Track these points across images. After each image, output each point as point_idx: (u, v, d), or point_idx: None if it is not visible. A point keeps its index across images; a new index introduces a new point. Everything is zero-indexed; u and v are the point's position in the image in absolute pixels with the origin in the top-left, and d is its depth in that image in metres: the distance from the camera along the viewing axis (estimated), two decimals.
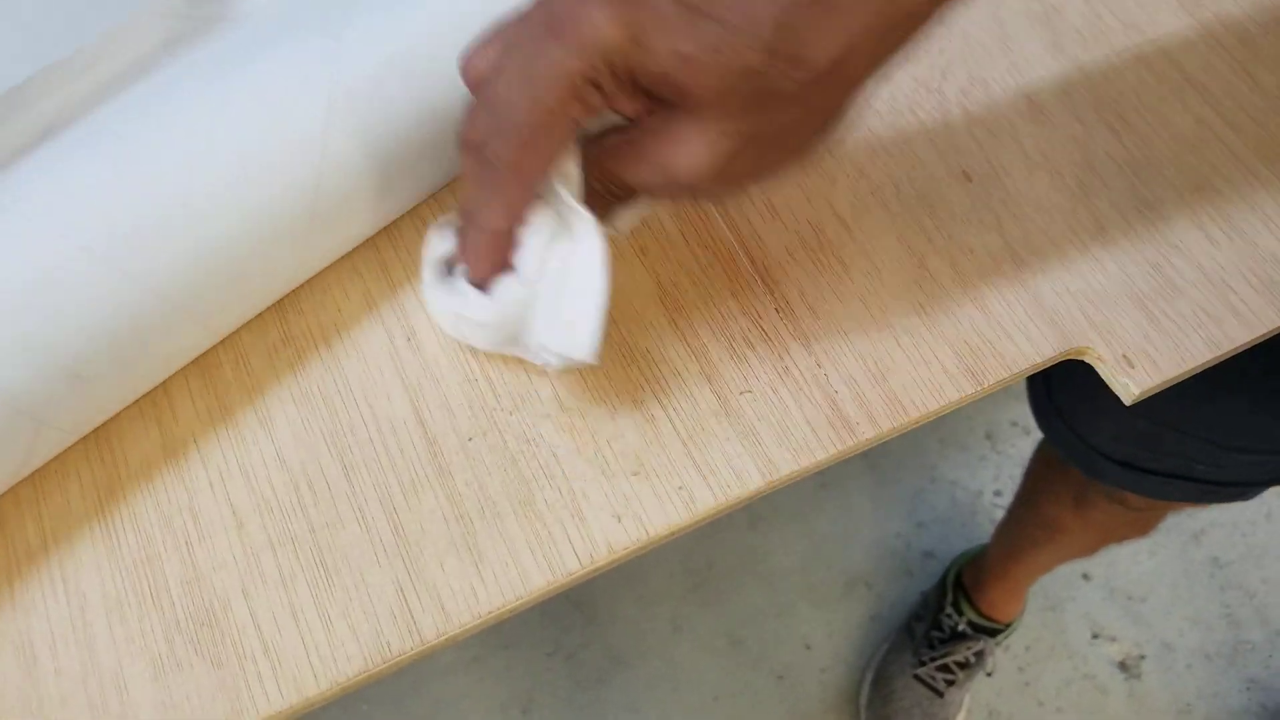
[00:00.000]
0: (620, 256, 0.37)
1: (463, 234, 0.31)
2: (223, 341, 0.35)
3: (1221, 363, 0.62)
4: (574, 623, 1.23)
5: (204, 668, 0.30)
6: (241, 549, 0.31)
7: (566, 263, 0.31)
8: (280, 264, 0.33)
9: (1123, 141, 0.41)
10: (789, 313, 0.36)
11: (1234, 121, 0.41)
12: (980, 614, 1.12)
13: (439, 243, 0.33)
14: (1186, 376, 0.36)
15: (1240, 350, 0.37)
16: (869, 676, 1.17)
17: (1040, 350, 0.36)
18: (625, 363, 0.35)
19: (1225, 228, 0.39)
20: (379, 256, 0.37)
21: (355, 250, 0.37)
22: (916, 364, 0.35)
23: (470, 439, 0.34)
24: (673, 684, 1.20)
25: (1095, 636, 1.22)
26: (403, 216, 0.37)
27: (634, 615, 1.24)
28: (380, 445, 0.33)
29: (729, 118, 0.27)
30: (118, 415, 0.33)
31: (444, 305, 0.33)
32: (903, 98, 0.41)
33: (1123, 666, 1.20)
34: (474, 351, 0.35)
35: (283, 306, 0.36)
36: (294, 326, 0.35)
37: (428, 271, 0.33)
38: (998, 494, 1.31)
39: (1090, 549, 0.93)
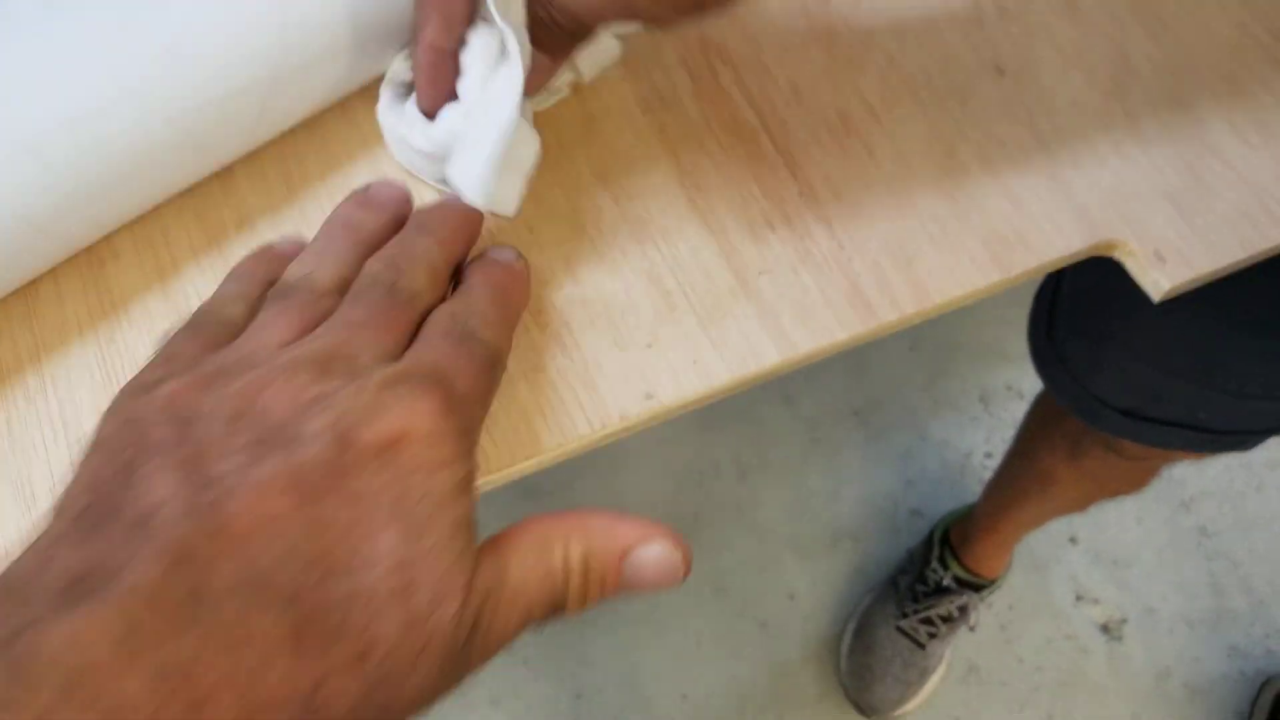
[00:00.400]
0: (638, 135, 0.36)
1: (412, 54, 0.31)
2: (227, 197, 0.34)
3: (1232, 309, 0.62)
4: None
5: None
6: None
7: (491, 94, 0.30)
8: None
9: (1160, 44, 0.40)
10: (812, 196, 0.35)
11: (1275, 29, 0.40)
12: (966, 569, 1.12)
13: (401, 65, 0.32)
14: (1219, 275, 0.35)
15: (1276, 253, 0.36)
16: (851, 626, 1.18)
17: (1070, 243, 0.35)
18: (640, 239, 0.34)
19: (1263, 134, 0.38)
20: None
21: (357, 103, 0.35)
22: (943, 251, 0.34)
23: None
24: (656, 629, 1.20)
25: (1079, 599, 1.22)
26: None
27: None
28: None
29: None
30: (118, 263, 0.32)
31: (393, 130, 0.32)
32: None
33: (1105, 629, 1.21)
34: (488, 223, 0.34)
35: (284, 160, 0.34)
36: (297, 184, 0.34)
37: (385, 93, 0.33)
38: (988, 455, 1.31)
39: (1082, 503, 0.93)
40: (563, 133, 0.36)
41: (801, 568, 1.24)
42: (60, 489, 0.23)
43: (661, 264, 0.34)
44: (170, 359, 0.26)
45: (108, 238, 0.33)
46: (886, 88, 0.38)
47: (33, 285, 0.32)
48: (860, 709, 1.13)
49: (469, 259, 0.31)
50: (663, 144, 0.36)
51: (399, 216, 0.30)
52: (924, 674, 1.13)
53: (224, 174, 0.34)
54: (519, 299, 0.31)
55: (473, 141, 0.30)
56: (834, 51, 0.38)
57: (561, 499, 1.23)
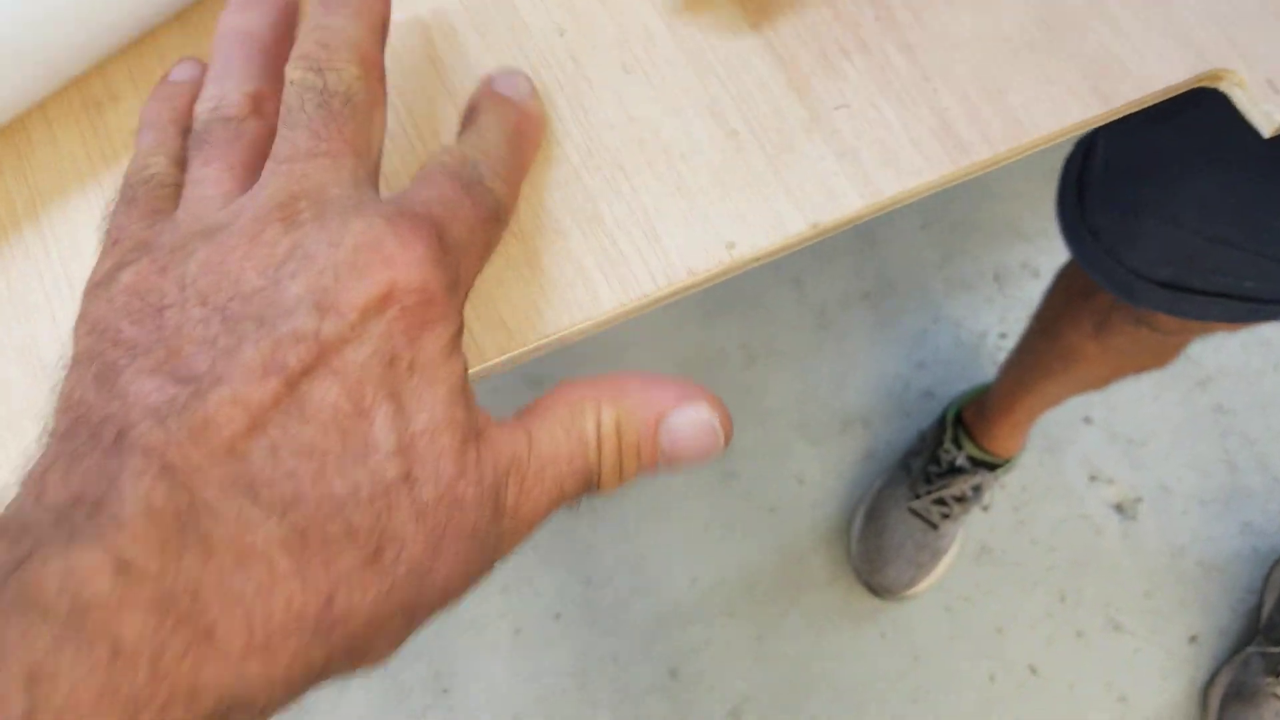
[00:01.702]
0: None
1: None
2: None
3: (1274, 168, 0.59)
4: None
5: None
6: None
7: None
8: None
9: None
10: (890, 20, 0.31)
11: None
12: (980, 449, 1.11)
13: None
14: None
15: None
16: (862, 509, 1.17)
17: (1175, 71, 0.31)
18: (701, 72, 0.30)
19: None
20: None
21: None
22: (1037, 81, 0.31)
23: None
24: (664, 515, 1.19)
25: (1093, 479, 1.22)
26: None
27: None
28: (422, 150, 0.29)
29: None
30: (118, 107, 0.28)
31: None
32: None
33: (1119, 508, 1.20)
34: (526, 53, 0.30)
35: None
36: None
37: None
38: (1003, 336, 1.29)
39: (1105, 380, 0.91)
40: None
41: (811, 453, 1.23)
42: (50, 409, 0.21)
43: (726, 99, 0.30)
44: (116, 241, 0.23)
45: (104, 77, 0.29)
46: None
47: (25, 132, 0.28)
48: (872, 590, 1.13)
49: (478, 90, 0.28)
50: None
51: (290, 4, 0.27)
52: (936, 555, 1.13)
53: None
54: (532, 147, 0.28)
55: None
56: None
57: None
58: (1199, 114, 0.58)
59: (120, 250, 0.23)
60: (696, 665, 1.12)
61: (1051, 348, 0.90)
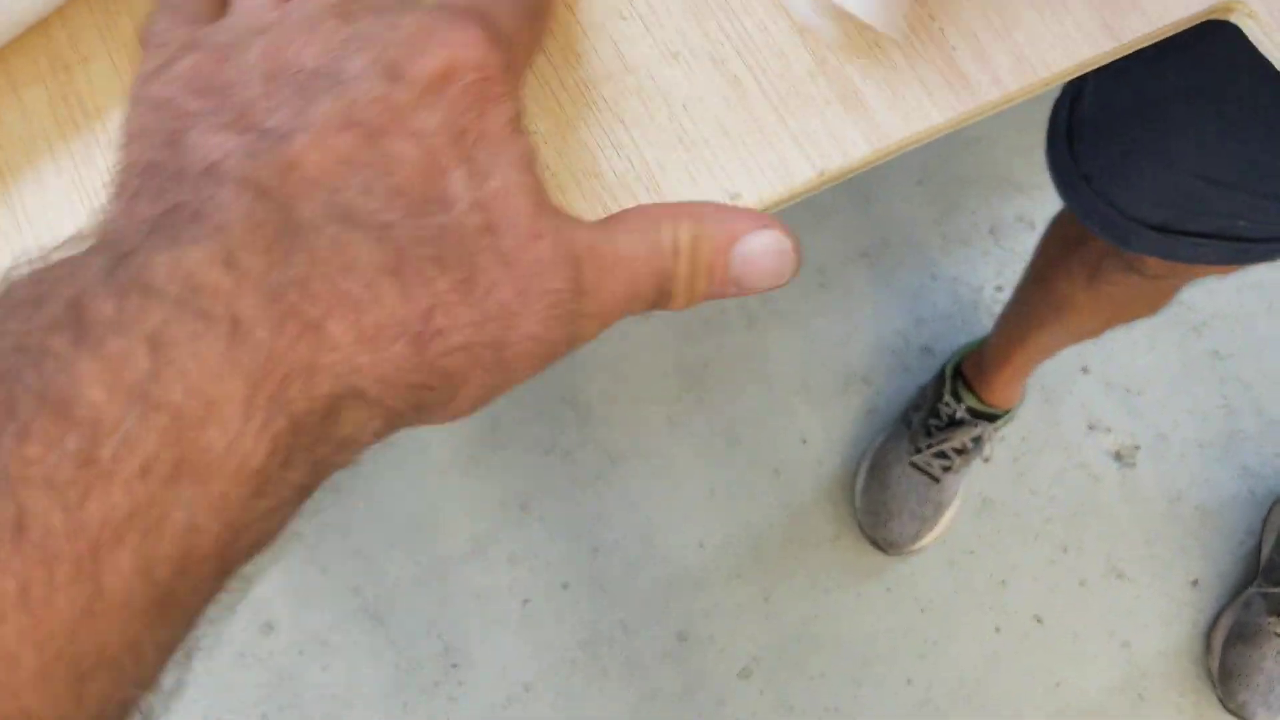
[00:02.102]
0: None
1: None
2: None
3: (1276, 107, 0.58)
4: (569, 422, 1.21)
5: None
6: None
7: None
8: None
9: None
10: None
11: None
12: (980, 400, 1.11)
13: None
14: None
15: None
16: (865, 465, 1.17)
17: (1186, 4, 0.31)
18: (699, 14, 0.29)
19: None
20: None
21: None
22: (1046, 18, 0.30)
23: None
24: (670, 480, 1.19)
25: (1091, 428, 1.22)
26: None
27: (629, 415, 1.22)
28: None
29: None
30: (88, 69, 0.27)
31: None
32: None
33: (1117, 456, 1.20)
34: None
35: None
36: None
37: None
38: (999, 289, 1.28)
39: (1099, 329, 0.91)
40: None
41: (813, 412, 1.23)
42: (111, 179, 0.21)
43: (726, 44, 0.29)
44: (163, 44, 0.23)
45: (72, 36, 0.28)
46: None
47: None
48: (877, 545, 1.13)
49: None
50: None
51: None
52: (939, 508, 1.13)
53: None
54: None
55: None
56: None
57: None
58: (1190, 54, 0.57)
59: (168, 50, 0.23)
60: (705, 629, 1.12)
61: (1045, 297, 0.90)
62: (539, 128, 0.28)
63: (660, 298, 0.23)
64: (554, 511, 1.17)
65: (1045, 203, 1.40)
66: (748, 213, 0.24)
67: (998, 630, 1.12)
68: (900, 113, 0.29)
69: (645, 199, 0.27)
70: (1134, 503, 1.18)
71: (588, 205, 0.27)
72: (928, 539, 1.12)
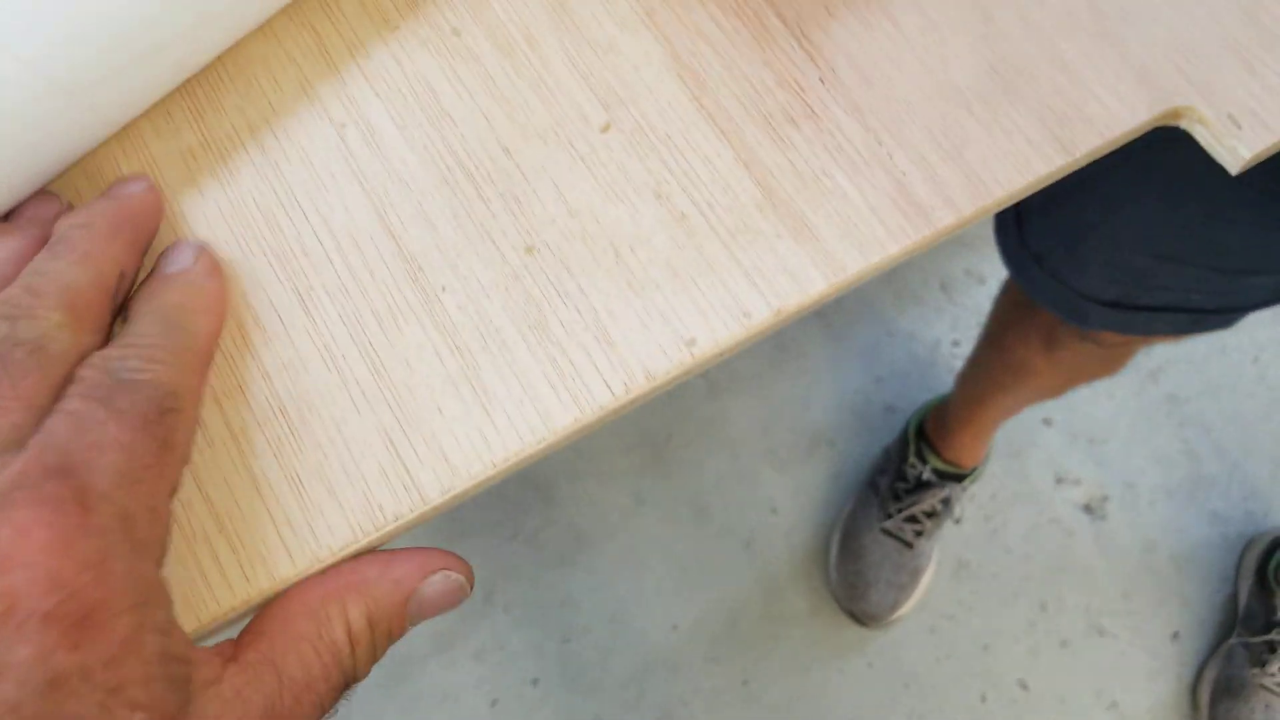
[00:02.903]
0: (621, 21, 0.30)
1: None
2: (124, 148, 0.27)
3: (1220, 184, 0.58)
4: (532, 505, 1.19)
5: None
6: None
7: None
8: (178, 14, 0.25)
9: None
10: (836, 82, 0.29)
11: None
12: (945, 461, 1.10)
13: None
14: None
15: None
16: (836, 536, 1.15)
17: (1135, 113, 0.30)
18: (643, 151, 0.28)
19: None
20: (313, 33, 0.29)
21: (280, 26, 0.29)
22: (995, 135, 0.29)
23: (458, 253, 0.27)
24: (639, 558, 1.17)
25: (1059, 481, 1.21)
26: None
27: (595, 492, 1.19)
28: (343, 267, 0.26)
29: None
30: None
31: None
32: None
33: (1087, 509, 1.20)
34: (451, 145, 0.28)
35: (197, 102, 0.28)
36: (214, 127, 0.28)
37: None
38: (955, 344, 1.28)
39: (1057, 390, 0.90)
40: (529, 21, 0.29)
41: (780, 479, 1.21)
42: None
43: (670, 180, 0.28)
44: None
45: None
46: None
47: None
48: (855, 618, 1.11)
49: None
50: (652, 29, 0.30)
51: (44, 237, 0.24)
52: (915, 574, 1.11)
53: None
54: (204, 314, 0.24)
55: None
56: None
57: None
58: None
59: None
60: (684, 717, 1.09)
61: (1002, 361, 0.90)
62: (489, 280, 0.26)
63: (347, 689, 0.21)
64: (520, 600, 1.14)
65: (992, 257, 1.41)
66: (414, 557, 0.23)
67: (984, 699, 1.09)
68: (855, 243, 0.27)
69: (595, 351, 0.26)
70: (1108, 555, 1.17)
71: (535, 360, 0.26)
72: (906, 608, 1.11)
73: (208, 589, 0.22)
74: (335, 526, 0.23)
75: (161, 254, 0.25)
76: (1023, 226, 0.65)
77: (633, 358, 0.26)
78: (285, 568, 0.23)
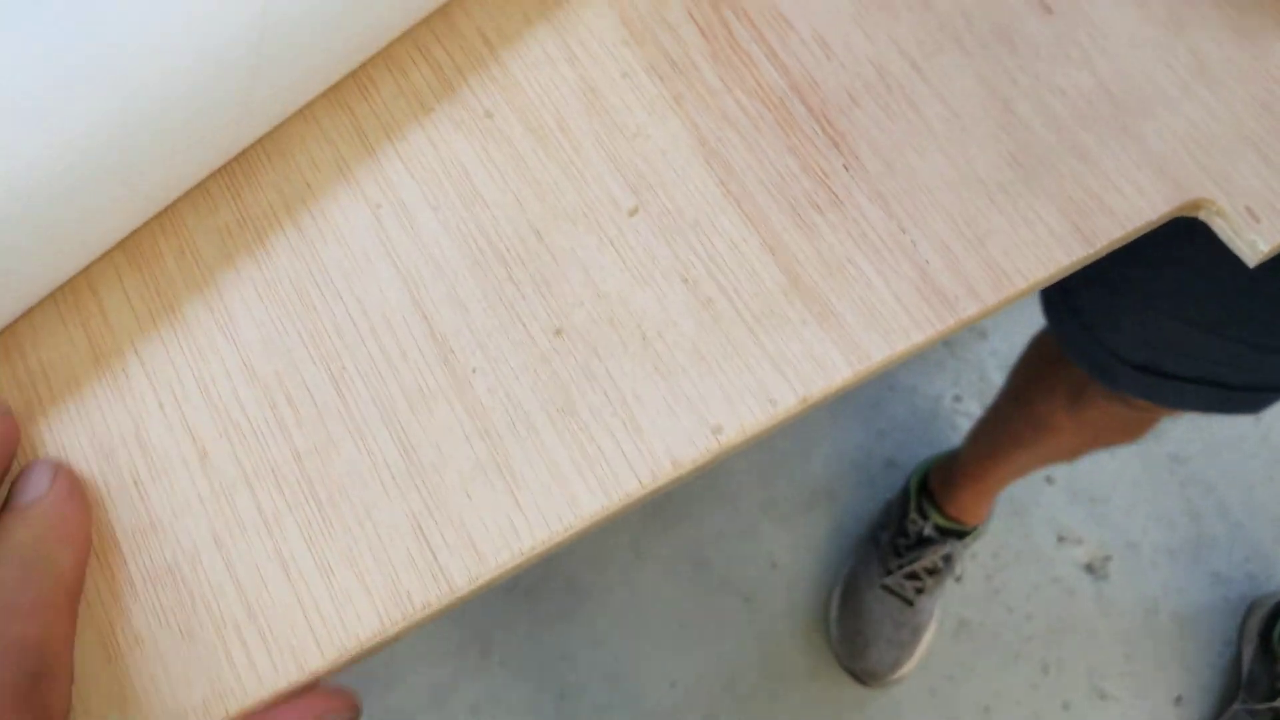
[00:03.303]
0: (650, 107, 0.30)
1: None
2: (162, 226, 0.27)
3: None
4: None
5: (170, 640, 0.23)
6: (208, 486, 0.24)
7: None
8: (222, 107, 0.25)
9: None
10: (860, 169, 0.30)
11: None
12: (948, 517, 1.10)
13: None
14: None
15: None
16: (837, 591, 1.15)
17: (1154, 204, 0.30)
18: (670, 235, 0.29)
19: None
20: (350, 114, 0.29)
21: (319, 107, 0.29)
22: (1017, 225, 0.30)
23: (488, 335, 0.27)
24: (638, 613, 1.16)
25: (1061, 540, 1.21)
26: (375, 59, 0.30)
27: (593, 544, 1.19)
28: (376, 348, 0.26)
29: None
30: (28, 317, 0.26)
31: None
32: None
33: (1089, 568, 1.19)
34: (483, 227, 0.28)
35: (234, 180, 0.28)
36: (250, 204, 0.28)
37: None
38: (957, 399, 1.29)
39: (1075, 452, 0.90)
40: (560, 104, 0.30)
41: (780, 532, 1.21)
42: None
43: (697, 264, 0.28)
44: None
45: None
46: (924, 33, 0.32)
47: None
48: (856, 677, 1.10)
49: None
50: (679, 115, 0.30)
51: None
52: (916, 632, 1.10)
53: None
54: (67, 543, 0.22)
55: None
56: None
57: None
58: None
59: None
60: None
61: (1023, 416, 0.89)
62: (518, 363, 0.27)
63: None
64: (517, 654, 1.13)
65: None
66: (295, 708, 0.23)
67: None
68: (880, 331, 0.28)
69: (622, 436, 0.26)
70: (1110, 616, 1.17)
71: (563, 444, 0.26)
72: (907, 667, 1.10)
73: (236, 679, 0.22)
74: (364, 615, 0.23)
75: (14, 483, 0.23)
76: (1067, 278, 0.66)
77: (659, 444, 0.26)
78: (314, 659, 0.23)
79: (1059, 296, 0.66)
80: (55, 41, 0.22)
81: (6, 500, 0.22)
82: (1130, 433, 0.82)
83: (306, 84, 0.27)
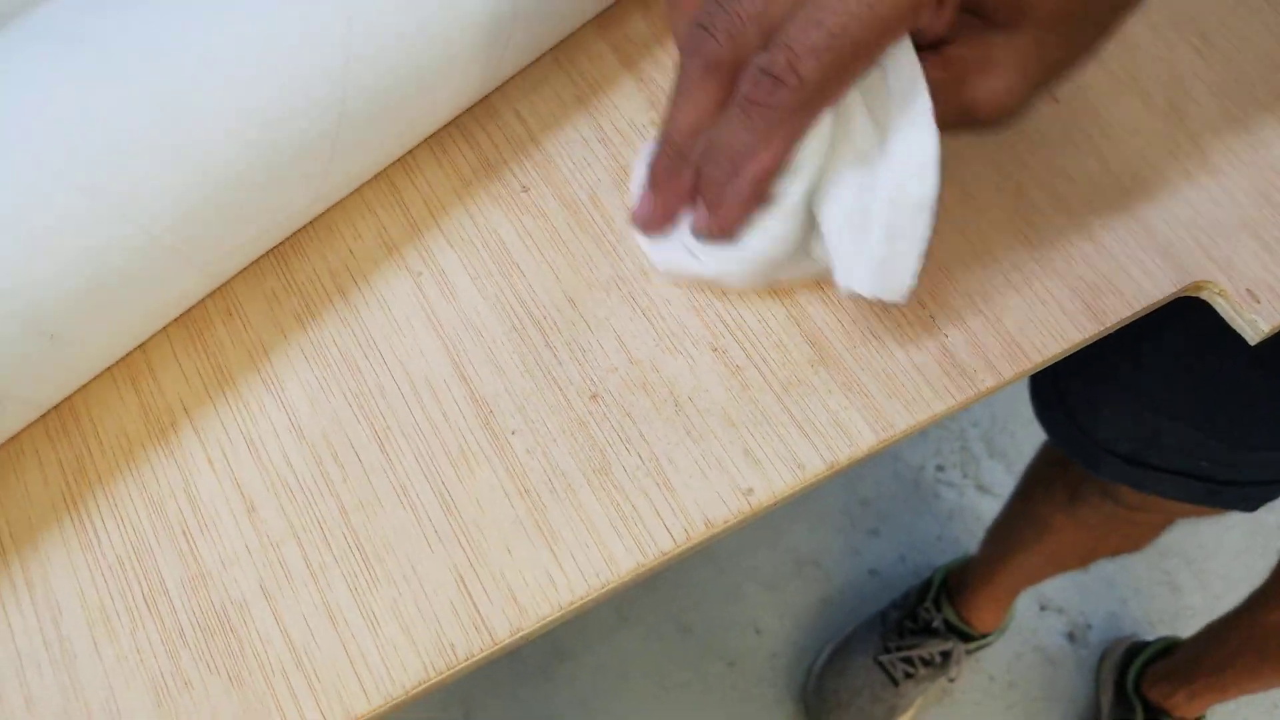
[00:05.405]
0: None
1: (707, 181, 0.26)
2: (210, 292, 0.28)
3: (1232, 351, 0.59)
4: None
5: (220, 686, 0.23)
6: (256, 539, 0.25)
7: (867, 178, 0.26)
8: (294, 195, 0.26)
9: (1207, 62, 0.37)
10: None
11: None
12: (959, 616, 1.10)
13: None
14: None
15: None
16: (830, 647, 1.14)
17: (1160, 286, 0.32)
18: (700, 305, 0.30)
19: None
20: (393, 188, 0.31)
21: (364, 183, 0.30)
22: (1031, 303, 0.31)
23: (526, 398, 0.28)
24: (620, 675, 1.15)
25: (1043, 608, 1.22)
26: (418, 144, 0.31)
27: None
28: (419, 410, 0.27)
29: (1056, 42, 0.24)
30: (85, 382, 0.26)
31: (677, 266, 0.29)
32: None
33: (1070, 637, 1.20)
34: (520, 295, 0.29)
35: (280, 247, 0.29)
36: (297, 271, 0.29)
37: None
38: (940, 469, 1.30)
39: (1082, 558, 0.91)
40: (592, 180, 0.31)
41: (765, 598, 1.21)
42: None
43: (727, 336, 0.29)
44: None
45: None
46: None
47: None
48: None
49: None
50: None
51: None
52: (891, 712, 1.10)
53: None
54: None
55: (877, 242, 0.26)
56: None
57: None
58: None
59: None
60: None
61: (1026, 516, 0.90)
62: (556, 426, 0.28)
63: None
64: (498, 715, 1.11)
65: None
66: None
67: None
68: (902, 402, 0.29)
69: (656, 496, 0.27)
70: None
71: (599, 503, 0.27)
72: None
73: None
74: (409, 664, 0.24)
75: None
76: (1056, 365, 0.67)
77: (692, 504, 0.27)
78: (360, 705, 0.23)
79: (1049, 385, 0.68)
80: (143, 136, 0.23)
81: None
82: (1132, 539, 0.83)
83: (370, 167, 0.29)
